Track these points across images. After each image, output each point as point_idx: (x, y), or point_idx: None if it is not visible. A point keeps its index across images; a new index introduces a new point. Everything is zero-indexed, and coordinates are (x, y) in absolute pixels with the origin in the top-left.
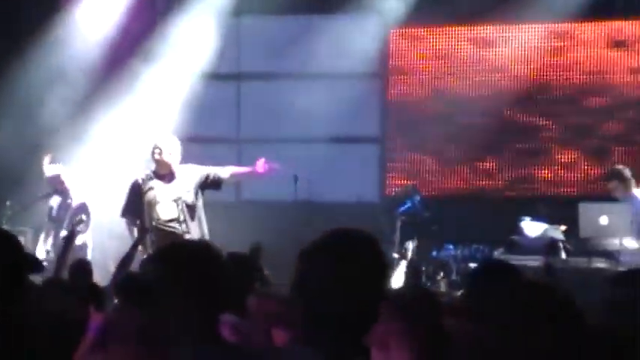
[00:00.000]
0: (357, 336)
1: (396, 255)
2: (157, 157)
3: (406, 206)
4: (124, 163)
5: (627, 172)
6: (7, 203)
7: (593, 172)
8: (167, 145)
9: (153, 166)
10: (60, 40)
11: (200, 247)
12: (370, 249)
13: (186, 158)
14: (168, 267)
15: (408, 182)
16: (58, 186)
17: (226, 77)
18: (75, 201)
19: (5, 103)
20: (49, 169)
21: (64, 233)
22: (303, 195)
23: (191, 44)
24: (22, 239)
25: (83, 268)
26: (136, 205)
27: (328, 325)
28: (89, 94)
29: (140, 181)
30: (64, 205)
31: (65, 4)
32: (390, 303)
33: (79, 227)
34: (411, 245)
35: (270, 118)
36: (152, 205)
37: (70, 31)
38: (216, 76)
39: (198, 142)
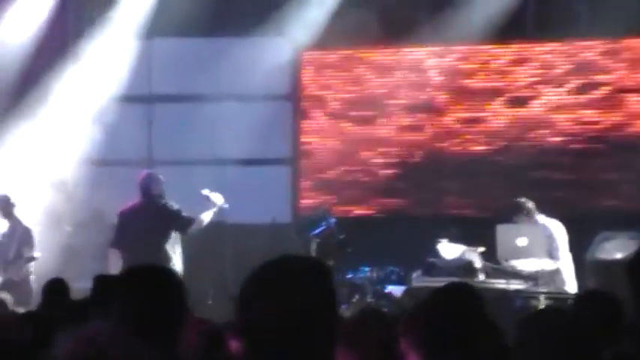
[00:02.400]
0: None
1: None
2: None
3: (321, 228)
4: (33, 186)
5: (530, 204)
6: None
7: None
8: None
9: None
10: None
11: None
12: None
13: (97, 181)
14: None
15: (322, 203)
16: (6, 211)
17: (138, 99)
18: (20, 227)
19: None
20: None
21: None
22: (218, 217)
23: (103, 66)
24: None
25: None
26: None
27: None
28: (4, 108)
29: None
30: (10, 232)
31: None
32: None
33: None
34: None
35: (182, 140)
36: None
37: None
38: (128, 98)
39: (110, 165)
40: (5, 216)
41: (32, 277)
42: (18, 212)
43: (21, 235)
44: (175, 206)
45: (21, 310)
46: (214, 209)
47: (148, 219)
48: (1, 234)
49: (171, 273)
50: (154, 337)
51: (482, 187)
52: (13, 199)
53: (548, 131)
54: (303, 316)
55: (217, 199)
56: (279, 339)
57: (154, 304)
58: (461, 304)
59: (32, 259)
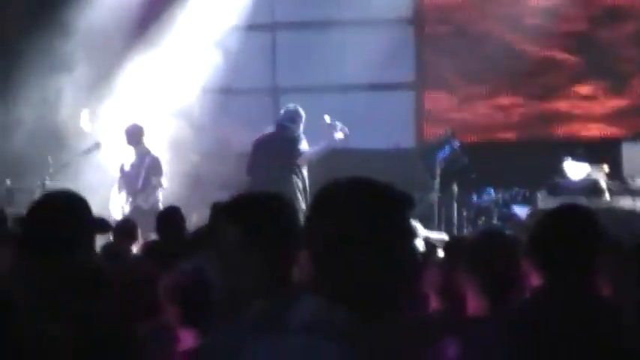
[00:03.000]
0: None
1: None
2: None
3: (445, 152)
4: (157, 116)
5: None
6: (49, 160)
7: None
8: None
9: None
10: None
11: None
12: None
13: (221, 110)
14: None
15: (445, 128)
16: (135, 140)
17: (261, 27)
18: (149, 157)
19: (43, 59)
20: (87, 124)
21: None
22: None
23: None
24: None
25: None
26: None
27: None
28: (123, 48)
29: None
30: (139, 161)
31: None
32: (458, 249)
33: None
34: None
35: (305, 68)
36: None
37: None
38: (251, 27)
39: (235, 94)
40: (134, 145)
41: (160, 206)
42: (146, 141)
43: (149, 164)
44: (296, 136)
45: (151, 237)
46: (331, 142)
47: (274, 149)
48: (130, 164)
49: (281, 200)
50: (266, 262)
51: (609, 106)
52: (142, 129)
53: None
54: (357, 240)
55: (338, 126)
56: (334, 260)
57: (261, 230)
58: (572, 225)
59: (160, 187)
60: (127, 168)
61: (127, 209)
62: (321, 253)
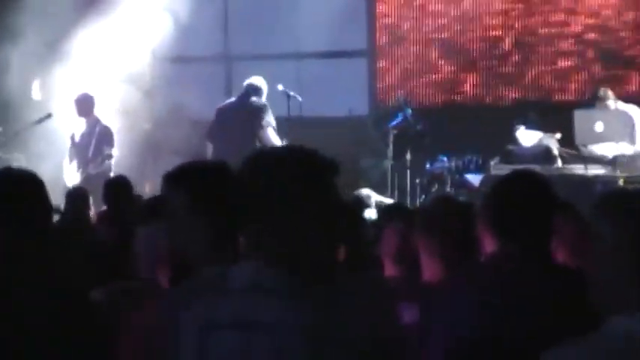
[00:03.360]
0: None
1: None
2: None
3: (398, 119)
4: (108, 84)
5: (608, 91)
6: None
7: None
8: None
9: None
10: None
11: (217, 166)
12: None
13: (173, 77)
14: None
15: (399, 95)
16: (86, 110)
17: None
18: (99, 126)
19: None
20: (37, 94)
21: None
22: (294, 111)
23: None
24: (16, 165)
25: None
26: None
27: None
28: (72, 15)
29: None
30: (90, 131)
31: None
32: (416, 214)
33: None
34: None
35: (257, 34)
36: None
37: None
38: None
39: (187, 62)
40: (84, 115)
41: (112, 174)
42: (97, 111)
43: (100, 133)
44: (262, 106)
45: (103, 207)
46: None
47: (238, 117)
48: (81, 134)
49: (227, 168)
50: (213, 230)
51: (562, 73)
52: (92, 98)
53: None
54: (282, 206)
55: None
56: (263, 226)
57: (207, 197)
58: (524, 190)
59: (110, 156)
60: (77, 138)
61: (78, 179)
62: (251, 219)
